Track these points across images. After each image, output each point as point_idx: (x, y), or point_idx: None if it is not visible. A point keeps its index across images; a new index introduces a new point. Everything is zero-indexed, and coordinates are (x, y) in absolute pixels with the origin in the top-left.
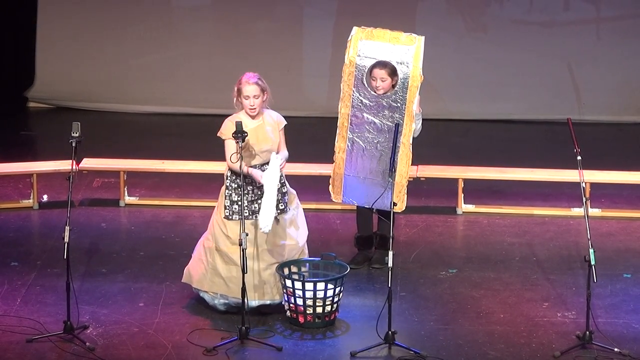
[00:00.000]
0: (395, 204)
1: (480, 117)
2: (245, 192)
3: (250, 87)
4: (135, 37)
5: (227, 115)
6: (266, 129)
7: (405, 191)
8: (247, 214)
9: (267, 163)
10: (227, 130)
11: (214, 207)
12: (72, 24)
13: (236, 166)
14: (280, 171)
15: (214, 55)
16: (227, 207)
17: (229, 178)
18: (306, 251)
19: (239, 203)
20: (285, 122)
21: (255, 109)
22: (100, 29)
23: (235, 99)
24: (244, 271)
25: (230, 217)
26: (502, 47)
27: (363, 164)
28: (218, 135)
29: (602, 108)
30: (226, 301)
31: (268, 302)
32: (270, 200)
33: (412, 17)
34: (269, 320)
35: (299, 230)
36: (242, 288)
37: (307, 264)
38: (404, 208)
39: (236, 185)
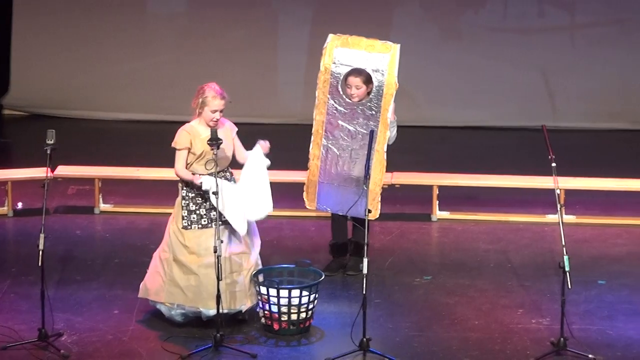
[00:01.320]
0: (370, 211)
1: (456, 124)
2: (202, 201)
3: (219, 102)
4: (110, 45)
5: None
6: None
7: (379, 199)
8: (206, 222)
9: (223, 170)
10: (181, 140)
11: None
12: (47, 32)
13: (183, 175)
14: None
15: (188, 63)
16: (185, 217)
17: (184, 188)
18: (259, 260)
19: (198, 212)
20: (237, 129)
21: (217, 122)
22: (75, 37)
23: (196, 108)
24: (219, 278)
25: (189, 227)
26: (477, 54)
27: (337, 171)
28: (172, 145)
29: (576, 115)
30: (183, 311)
31: (233, 310)
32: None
33: (388, 24)
34: (244, 327)
35: (254, 239)
36: (216, 295)
37: (260, 274)
38: (377, 216)
39: (193, 195)
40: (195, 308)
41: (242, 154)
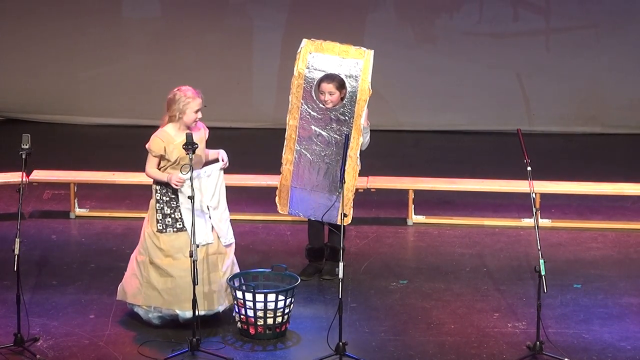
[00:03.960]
0: (345, 215)
1: (431, 128)
2: (177, 204)
3: (199, 101)
4: (84, 49)
5: None
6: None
7: (352, 204)
8: (181, 225)
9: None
10: (155, 147)
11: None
12: (20, 36)
13: (154, 175)
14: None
15: (163, 67)
16: (160, 221)
17: (159, 191)
18: (235, 259)
19: (172, 215)
20: (208, 130)
21: (197, 121)
22: (50, 41)
23: (177, 113)
24: (194, 282)
25: (164, 230)
26: (452, 58)
27: (310, 177)
28: (147, 148)
29: (551, 119)
30: (160, 314)
31: (210, 312)
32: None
33: (363, 29)
34: (220, 331)
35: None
36: (192, 299)
37: (236, 278)
38: (350, 221)
39: (168, 199)
40: (171, 310)
41: (207, 155)
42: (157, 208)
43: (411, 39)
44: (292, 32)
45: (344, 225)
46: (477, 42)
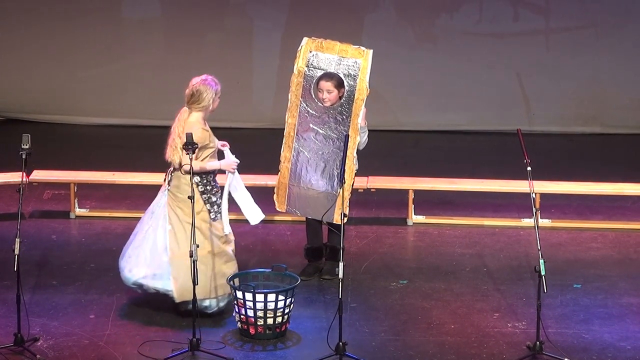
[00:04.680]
0: (345, 215)
1: (431, 128)
2: (217, 190)
3: (219, 87)
4: (85, 49)
5: None
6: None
7: (348, 204)
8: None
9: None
10: (203, 138)
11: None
12: (20, 36)
13: (206, 167)
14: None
15: (163, 67)
16: (211, 210)
17: (201, 183)
18: None
19: (217, 202)
20: None
21: None
22: (50, 41)
23: (210, 102)
24: (194, 282)
25: (216, 218)
26: (452, 58)
27: (307, 175)
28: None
29: (552, 119)
30: (229, 299)
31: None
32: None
33: (362, 28)
34: (220, 331)
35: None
36: (192, 300)
37: (236, 278)
38: (345, 221)
39: (210, 187)
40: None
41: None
42: (204, 199)
43: (411, 39)
44: (291, 32)
45: (343, 225)
46: (477, 42)
